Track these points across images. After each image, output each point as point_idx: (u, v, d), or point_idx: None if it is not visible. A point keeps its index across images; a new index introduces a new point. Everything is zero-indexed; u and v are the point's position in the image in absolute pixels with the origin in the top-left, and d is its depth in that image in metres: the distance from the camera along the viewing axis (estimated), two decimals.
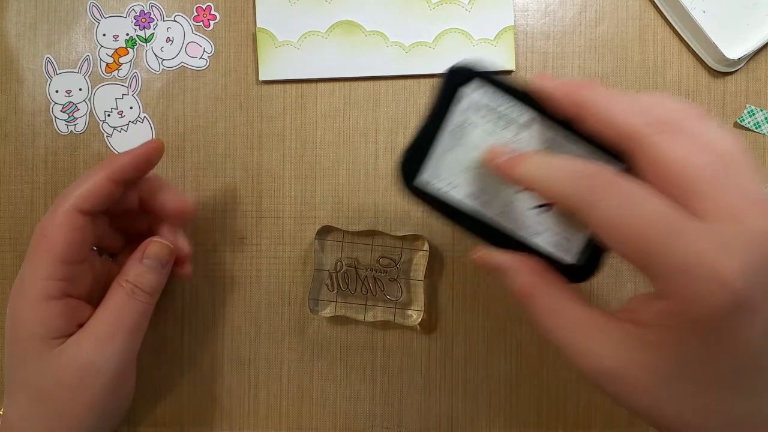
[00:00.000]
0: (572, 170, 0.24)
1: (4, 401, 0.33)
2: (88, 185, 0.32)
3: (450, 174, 0.29)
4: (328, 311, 0.40)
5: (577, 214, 0.24)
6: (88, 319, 0.33)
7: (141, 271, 0.33)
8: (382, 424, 0.40)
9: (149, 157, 0.34)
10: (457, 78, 0.29)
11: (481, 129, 0.29)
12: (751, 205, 0.22)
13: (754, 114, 0.40)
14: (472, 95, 0.29)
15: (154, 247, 0.34)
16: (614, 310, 0.25)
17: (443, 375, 0.40)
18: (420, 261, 0.39)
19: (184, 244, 0.36)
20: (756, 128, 0.40)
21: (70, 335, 0.32)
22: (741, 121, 0.40)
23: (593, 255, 0.29)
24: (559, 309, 0.25)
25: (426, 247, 0.39)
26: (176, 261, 0.36)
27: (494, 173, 0.27)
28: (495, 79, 0.28)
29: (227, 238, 0.40)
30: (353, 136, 0.40)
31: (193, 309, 0.40)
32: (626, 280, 0.40)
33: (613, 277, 0.40)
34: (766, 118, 0.40)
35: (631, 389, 0.23)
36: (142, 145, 0.34)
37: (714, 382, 0.22)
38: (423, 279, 0.39)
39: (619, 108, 0.24)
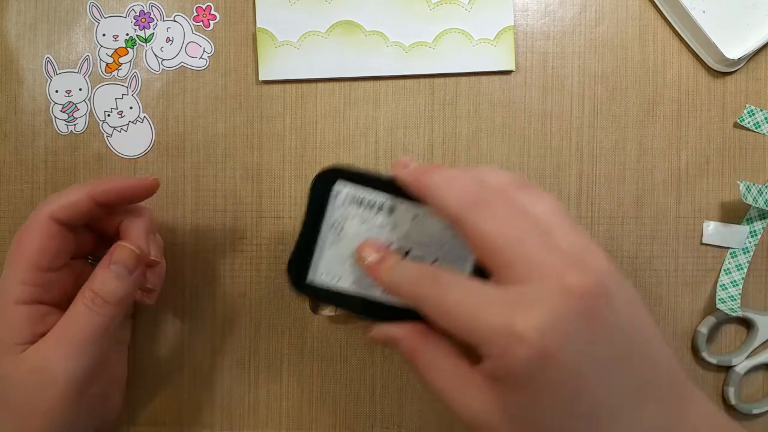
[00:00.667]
0: (411, 275, 0.29)
1: None
2: (69, 198, 0.32)
3: (335, 267, 0.33)
4: (328, 311, 0.39)
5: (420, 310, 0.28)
6: None
7: (105, 278, 0.32)
8: (382, 424, 0.40)
9: (137, 191, 0.34)
10: (324, 181, 0.32)
11: (357, 220, 0.33)
12: (557, 263, 0.25)
13: (754, 114, 0.40)
14: (343, 191, 0.32)
15: (120, 251, 0.33)
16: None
17: None
18: None
19: (153, 278, 0.35)
20: (756, 128, 0.40)
21: (35, 342, 0.31)
22: (741, 121, 0.40)
23: None
24: (437, 366, 0.29)
25: None
26: (141, 288, 0.35)
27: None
28: (356, 175, 0.32)
29: (227, 238, 0.40)
30: (353, 136, 0.40)
31: (193, 309, 0.40)
32: None
33: None
34: (766, 118, 0.40)
35: None
36: (136, 178, 0.34)
37: (544, 428, 0.26)
38: None
39: (446, 190, 0.28)
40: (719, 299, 0.39)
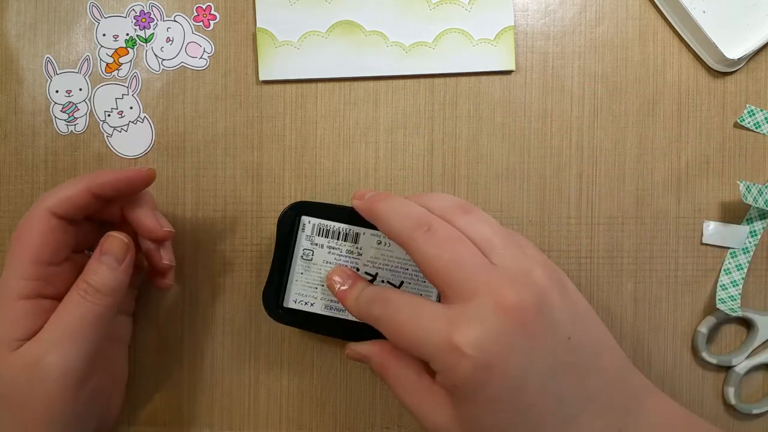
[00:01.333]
0: (368, 297, 0.32)
1: None
2: (66, 192, 0.32)
3: (307, 293, 0.36)
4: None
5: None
6: None
7: (96, 268, 0.32)
8: (382, 424, 0.40)
9: (133, 183, 0.34)
10: (291, 215, 0.36)
11: (325, 248, 0.36)
12: (493, 281, 0.27)
13: (754, 114, 0.40)
14: (309, 223, 0.36)
15: (110, 242, 0.33)
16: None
17: None
18: None
19: (165, 255, 0.36)
20: (756, 128, 0.40)
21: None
22: (741, 121, 0.40)
23: None
24: (402, 381, 0.31)
25: None
26: (158, 271, 0.36)
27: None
28: (320, 208, 0.36)
29: (227, 238, 0.40)
30: (353, 136, 0.40)
31: (193, 309, 0.40)
32: (626, 280, 0.40)
33: (614, 278, 0.40)
34: (766, 118, 0.40)
35: None
36: (132, 168, 0.34)
37: None
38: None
39: (393, 217, 0.30)
40: (719, 299, 0.39)
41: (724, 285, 0.40)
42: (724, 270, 0.40)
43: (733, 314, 0.38)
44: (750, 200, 0.38)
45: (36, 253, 0.31)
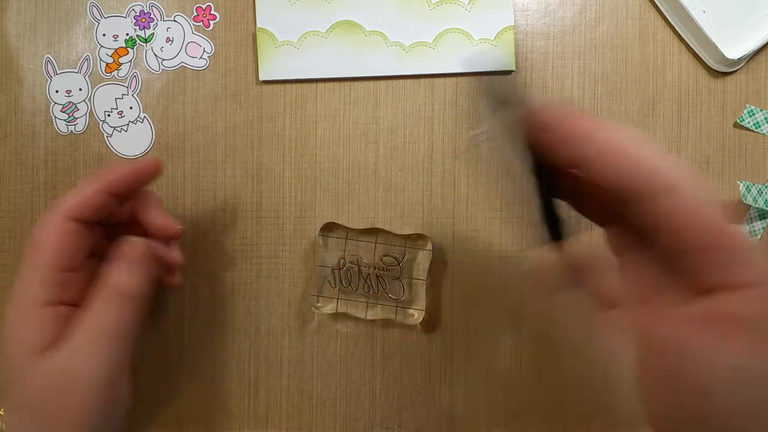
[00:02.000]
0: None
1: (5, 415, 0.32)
2: (82, 195, 0.32)
3: None
4: (329, 308, 0.40)
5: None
6: None
7: (120, 274, 0.32)
8: (382, 424, 0.40)
9: (143, 175, 0.34)
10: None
11: None
12: None
13: (754, 114, 0.40)
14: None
15: (131, 248, 0.33)
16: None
17: (443, 375, 0.40)
18: (422, 260, 0.39)
19: (175, 253, 0.36)
20: (756, 128, 0.40)
21: (58, 344, 0.31)
22: (741, 121, 0.40)
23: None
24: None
25: (429, 246, 0.39)
26: (169, 269, 0.36)
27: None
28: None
29: (227, 238, 0.40)
30: (353, 136, 0.40)
31: (193, 309, 0.40)
32: None
33: None
34: (766, 118, 0.40)
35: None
36: (140, 161, 0.34)
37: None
38: (425, 278, 0.39)
39: (651, 153, 0.22)
40: None
41: None
42: None
43: None
44: (750, 200, 0.38)
45: (55, 259, 0.31)
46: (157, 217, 0.35)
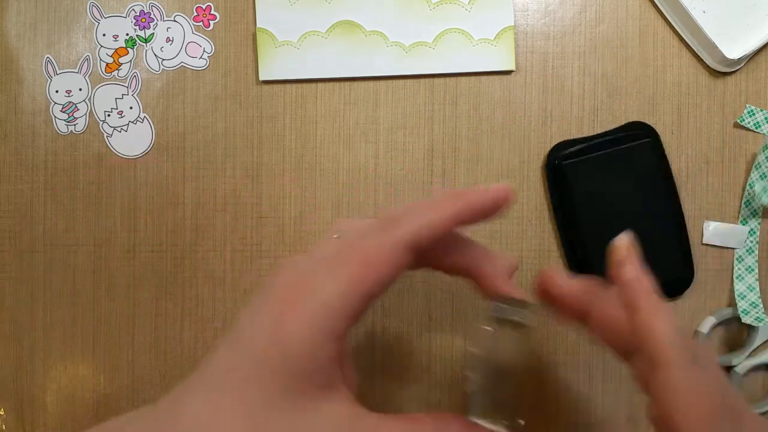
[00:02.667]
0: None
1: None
2: (431, 219, 0.25)
3: None
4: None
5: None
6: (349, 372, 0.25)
7: None
8: None
9: (491, 208, 0.27)
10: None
11: None
12: None
13: (754, 114, 0.40)
14: None
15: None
16: None
17: (443, 374, 0.40)
18: None
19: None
20: (756, 128, 0.40)
21: (331, 388, 0.24)
22: (741, 121, 0.40)
23: None
24: (679, 392, 0.25)
25: None
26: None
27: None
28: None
29: (227, 238, 0.40)
30: (353, 136, 0.40)
31: (193, 309, 0.40)
32: None
33: None
34: (766, 118, 0.40)
35: None
36: (493, 187, 0.27)
37: None
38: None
39: (662, 321, 0.25)
40: (742, 311, 0.38)
41: (741, 294, 0.39)
42: (737, 277, 0.40)
43: (762, 324, 0.38)
44: (766, 200, 0.38)
45: (375, 284, 0.24)
46: (505, 286, 0.28)
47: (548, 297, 0.29)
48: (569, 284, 0.28)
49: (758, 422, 0.26)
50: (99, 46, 0.40)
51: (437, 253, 0.27)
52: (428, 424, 0.25)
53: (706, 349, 0.27)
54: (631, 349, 0.26)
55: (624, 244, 0.27)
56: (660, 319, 0.24)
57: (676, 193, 0.39)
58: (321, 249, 0.26)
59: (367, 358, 0.40)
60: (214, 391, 0.23)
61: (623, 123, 0.40)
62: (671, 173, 0.39)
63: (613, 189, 0.38)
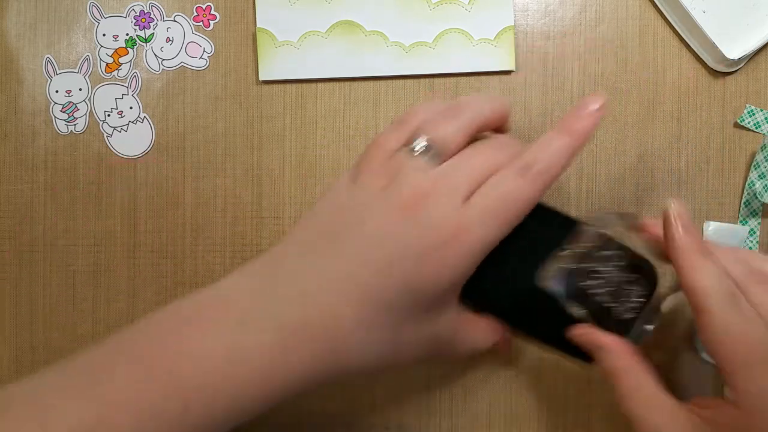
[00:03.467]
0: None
1: None
2: (558, 162, 0.30)
3: None
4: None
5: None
6: None
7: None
8: (382, 424, 0.40)
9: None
10: None
11: None
12: None
13: (754, 114, 0.40)
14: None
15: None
16: (684, 402, 0.29)
17: (444, 375, 0.40)
18: None
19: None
20: (756, 128, 0.40)
21: (449, 303, 0.30)
22: (741, 121, 0.40)
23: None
24: (641, 393, 0.29)
25: None
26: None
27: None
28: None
29: (227, 238, 0.40)
30: (353, 137, 0.40)
31: None
32: None
33: None
34: (766, 118, 0.40)
35: None
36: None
37: None
38: None
39: (700, 274, 0.28)
40: None
41: None
42: None
43: None
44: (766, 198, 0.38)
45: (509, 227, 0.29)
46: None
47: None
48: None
49: None
50: (99, 46, 0.40)
51: None
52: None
53: (756, 293, 0.28)
54: None
55: (674, 205, 0.29)
56: (698, 272, 0.27)
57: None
58: (461, 177, 0.29)
59: None
60: (366, 301, 0.28)
61: (623, 123, 0.40)
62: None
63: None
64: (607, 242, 0.32)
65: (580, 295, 0.32)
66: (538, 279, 0.32)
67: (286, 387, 0.28)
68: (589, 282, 0.32)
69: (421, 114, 0.31)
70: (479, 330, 0.33)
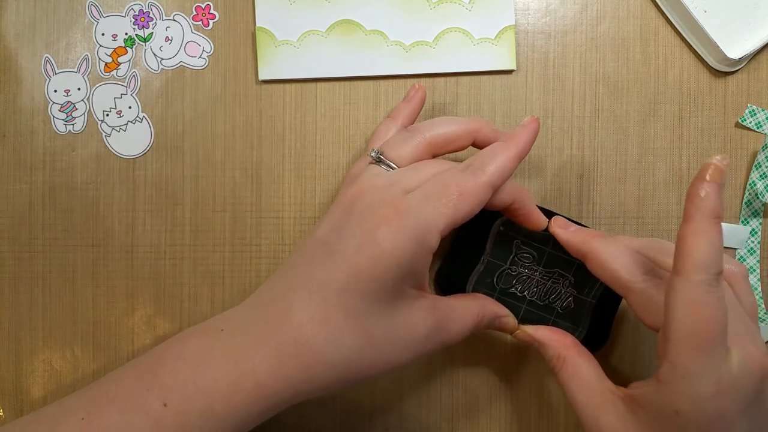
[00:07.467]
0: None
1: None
2: (505, 164, 0.31)
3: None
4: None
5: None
6: None
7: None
8: (382, 425, 0.40)
9: (535, 137, 0.33)
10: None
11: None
12: (744, 340, 0.26)
13: (755, 114, 0.40)
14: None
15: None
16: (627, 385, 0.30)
17: (443, 374, 0.40)
18: None
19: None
20: (757, 128, 0.40)
21: (421, 287, 0.31)
22: (742, 121, 0.40)
23: (601, 328, 0.37)
24: (579, 380, 0.31)
25: None
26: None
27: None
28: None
29: (227, 238, 0.40)
30: (353, 136, 0.40)
31: (193, 309, 0.40)
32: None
33: None
34: (767, 118, 0.40)
35: None
36: (528, 124, 0.33)
37: None
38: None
39: (619, 261, 0.31)
40: None
41: None
42: None
43: (762, 324, 0.38)
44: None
45: (459, 221, 0.29)
46: (531, 216, 0.34)
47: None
48: (567, 235, 0.34)
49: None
50: (98, 46, 0.40)
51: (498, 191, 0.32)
52: (481, 297, 0.34)
53: (741, 282, 0.30)
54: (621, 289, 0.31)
55: (716, 161, 0.26)
56: (699, 237, 0.26)
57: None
58: (406, 178, 0.31)
59: None
60: (317, 296, 0.29)
61: (624, 123, 0.40)
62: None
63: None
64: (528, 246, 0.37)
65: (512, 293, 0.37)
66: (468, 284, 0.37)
67: (269, 409, 0.32)
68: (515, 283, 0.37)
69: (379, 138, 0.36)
70: (459, 313, 0.33)
